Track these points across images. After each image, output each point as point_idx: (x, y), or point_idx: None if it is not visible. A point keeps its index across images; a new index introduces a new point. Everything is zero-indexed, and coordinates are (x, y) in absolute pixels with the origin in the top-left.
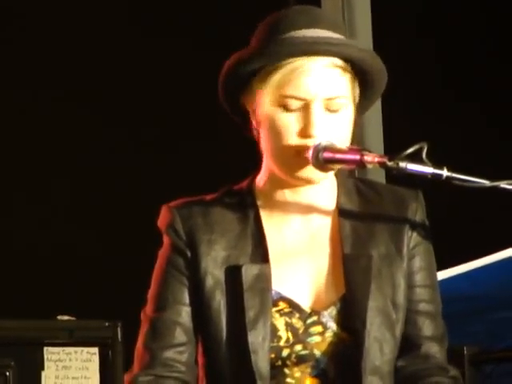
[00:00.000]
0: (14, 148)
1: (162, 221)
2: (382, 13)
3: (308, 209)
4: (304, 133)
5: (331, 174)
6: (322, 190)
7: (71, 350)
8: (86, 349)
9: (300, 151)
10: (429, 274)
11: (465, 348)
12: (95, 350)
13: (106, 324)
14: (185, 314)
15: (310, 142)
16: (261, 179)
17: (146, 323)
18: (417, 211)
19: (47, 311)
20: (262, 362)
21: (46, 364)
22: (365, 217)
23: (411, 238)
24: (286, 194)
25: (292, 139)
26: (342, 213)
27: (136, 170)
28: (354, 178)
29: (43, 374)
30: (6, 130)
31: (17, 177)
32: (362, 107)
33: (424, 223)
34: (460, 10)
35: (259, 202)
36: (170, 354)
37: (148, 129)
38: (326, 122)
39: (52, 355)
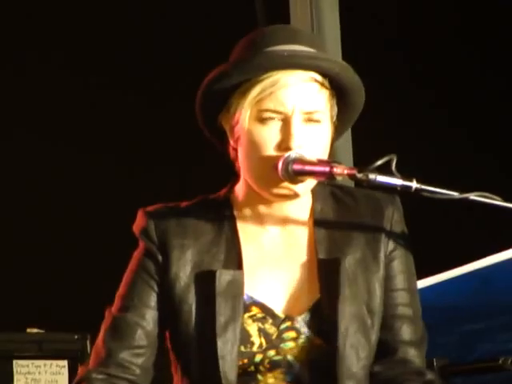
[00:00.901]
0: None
1: (136, 225)
2: (352, 27)
3: (284, 221)
4: (283, 145)
5: (308, 189)
6: (297, 201)
7: (40, 362)
8: (55, 361)
9: (276, 166)
10: (407, 278)
11: (434, 360)
12: (64, 362)
13: (76, 337)
14: (149, 317)
15: None
16: (239, 191)
17: (108, 321)
18: (393, 216)
19: (16, 324)
20: (229, 368)
21: (16, 377)
22: (341, 223)
23: (388, 243)
24: (262, 209)
25: (271, 152)
26: (317, 219)
27: (109, 177)
28: (330, 186)
29: None
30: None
31: None
32: (340, 127)
33: (401, 227)
34: (433, 19)
35: (235, 212)
36: (126, 355)
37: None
38: (304, 135)
39: (21, 368)
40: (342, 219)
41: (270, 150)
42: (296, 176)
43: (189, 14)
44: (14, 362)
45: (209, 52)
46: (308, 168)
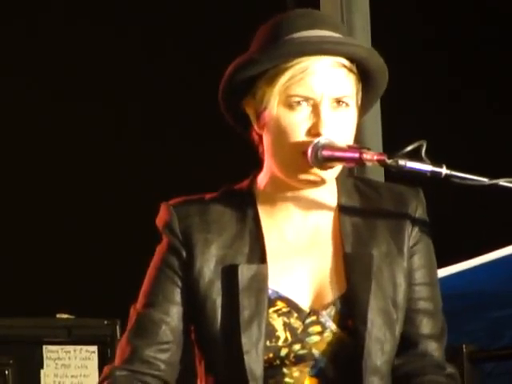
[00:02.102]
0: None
1: (159, 219)
2: (381, 13)
3: (308, 209)
4: (313, 131)
5: (334, 176)
6: (323, 190)
7: (70, 348)
8: (84, 347)
9: (306, 152)
10: (428, 272)
11: (464, 346)
12: (94, 348)
13: (105, 322)
14: (173, 313)
15: None
16: (262, 181)
17: (133, 318)
18: (417, 209)
19: (46, 309)
20: (254, 362)
21: (45, 362)
22: (365, 215)
23: (411, 236)
24: (287, 196)
25: (300, 138)
26: (342, 212)
27: (136, 168)
28: (353, 178)
29: (42, 372)
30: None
31: (13, 176)
32: (363, 109)
33: (424, 221)
34: (461, 6)
35: (259, 203)
36: (151, 351)
37: (154, 127)
38: (333, 120)
39: (51, 353)
40: (366, 212)
41: (299, 135)
42: (325, 162)
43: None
44: (44, 347)
45: (236, 37)
46: (338, 154)
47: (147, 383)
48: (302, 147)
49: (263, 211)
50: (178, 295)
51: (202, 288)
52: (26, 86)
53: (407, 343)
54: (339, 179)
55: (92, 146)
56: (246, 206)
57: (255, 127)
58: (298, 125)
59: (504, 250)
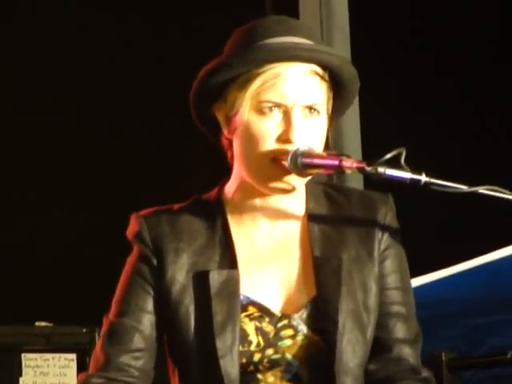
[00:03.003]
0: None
1: (130, 230)
2: (361, 20)
3: (277, 215)
4: (284, 138)
5: (303, 182)
6: (291, 197)
7: (49, 356)
8: (63, 355)
9: (276, 159)
10: (400, 277)
11: (443, 354)
12: (73, 356)
13: (84, 330)
14: (146, 321)
15: (290, 147)
16: (230, 188)
17: (106, 326)
18: (386, 214)
19: (25, 317)
20: (230, 366)
21: (24, 370)
22: (334, 221)
23: (381, 241)
24: (256, 203)
25: (271, 145)
26: (311, 217)
27: (112, 179)
28: (323, 184)
29: (21, 380)
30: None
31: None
32: (333, 117)
33: (394, 226)
34: (446, 11)
35: (228, 211)
36: (125, 358)
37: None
38: (304, 127)
39: (30, 361)
40: (335, 217)
41: (269, 142)
42: (305, 169)
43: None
44: (23, 355)
45: (212, 41)
46: (317, 161)
47: None
48: (272, 154)
49: (232, 219)
50: (150, 303)
51: (175, 296)
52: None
53: (381, 348)
54: (308, 186)
55: (70, 154)
56: (215, 214)
57: (225, 132)
58: (268, 131)
59: (483, 257)
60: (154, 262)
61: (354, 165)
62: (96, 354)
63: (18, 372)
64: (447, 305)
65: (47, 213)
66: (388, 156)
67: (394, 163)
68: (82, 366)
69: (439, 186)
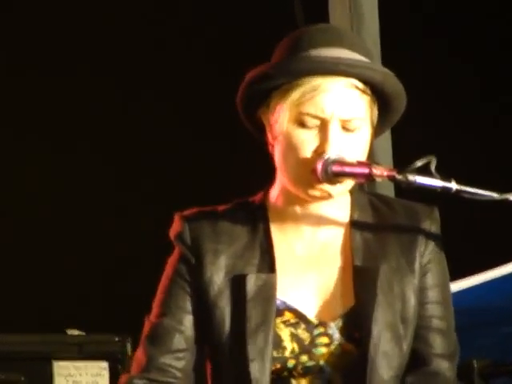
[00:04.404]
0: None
1: (172, 230)
2: (391, 24)
3: (319, 222)
4: (320, 150)
5: (345, 190)
6: (335, 204)
7: (81, 364)
8: (96, 363)
9: (314, 169)
10: (441, 291)
11: (474, 361)
12: (105, 364)
13: (116, 338)
14: (186, 321)
15: None
16: (274, 193)
17: (147, 328)
18: (431, 227)
19: (57, 325)
20: (260, 370)
21: (56, 379)
22: (377, 231)
23: (424, 255)
24: (298, 209)
25: (307, 156)
26: (354, 226)
27: (148, 180)
28: (369, 194)
29: None
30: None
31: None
32: (379, 129)
33: (438, 240)
34: (473, 12)
35: (270, 216)
36: (166, 359)
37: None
38: (341, 140)
39: (62, 369)
40: (378, 228)
41: (306, 153)
42: (335, 177)
43: (226, 13)
44: (55, 363)
45: (247, 52)
46: (347, 169)
47: None
48: (309, 165)
49: (274, 225)
50: (190, 304)
51: (211, 297)
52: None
53: (420, 361)
54: (353, 194)
55: (97, 157)
56: (257, 218)
57: (269, 137)
58: (305, 143)
59: None
60: (193, 262)
61: (385, 173)
62: (137, 355)
63: (49, 380)
64: (478, 313)
65: (78, 218)
66: (418, 164)
67: (424, 171)
68: (114, 375)
69: (470, 194)
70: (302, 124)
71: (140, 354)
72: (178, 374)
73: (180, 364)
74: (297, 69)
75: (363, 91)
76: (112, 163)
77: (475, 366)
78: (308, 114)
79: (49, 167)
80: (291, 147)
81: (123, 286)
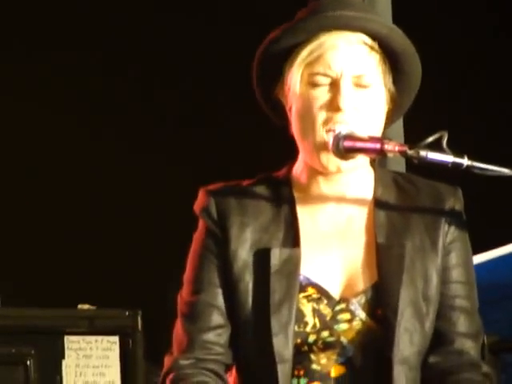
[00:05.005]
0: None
1: (197, 204)
2: (404, 5)
3: (343, 198)
4: (332, 105)
5: (357, 165)
6: (358, 180)
7: (92, 338)
8: (106, 337)
9: (329, 129)
10: (465, 271)
11: (485, 336)
12: (115, 338)
13: (127, 313)
14: (220, 296)
15: (338, 116)
16: (297, 169)
17: (183, 306)
18: (454, 206)
19: (68, 300)
20: (283, 345)
21: (67, 353)
22: (401, 209)
23: (447, 233)
24: (322, 184)
25: (322, 113)
26: (377, 203)
27: (159, 155)
28: (392, 172)
29: (64, 362)
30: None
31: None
32: (400, 99)
33: (461, 219)
34: None
35: (295, 191)
36: (208, 336)
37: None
38: (354, 96)
39: (72, 344)
40: (402, 205)
41: (319, 109)
42: (347, 153)
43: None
44: (66, 337)
45: (259, 31)
46: (359, 145)
47: (211, 369)
48: (324, 123)
49: (298, 199)
50: (221, 278)
51: (236, 270)
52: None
53: (443, 340)
54: (377, 171)
55: (119, 137)
56: (282, 192)
57: (288, 115)
58: (318, 100)
59: None
60: (220, 235)
61: (396, 148)
62: (178, 335)
63: (60, 354)
64: (490, 288)
65: (92, 193)
66: (430, 139)
67: (436, 146)
68: (124, 349)
69: (481, 170)
70: (313, 85)
71: (180, 334)
72: (221, 350)
73: (222, 339)
74: (301, 28)
75: (371, 47)
76: (128, 136)
77: (485, 341)
78: (318, 74)
79: (60, 141)
80: (305, 109)
81: (134, 260)
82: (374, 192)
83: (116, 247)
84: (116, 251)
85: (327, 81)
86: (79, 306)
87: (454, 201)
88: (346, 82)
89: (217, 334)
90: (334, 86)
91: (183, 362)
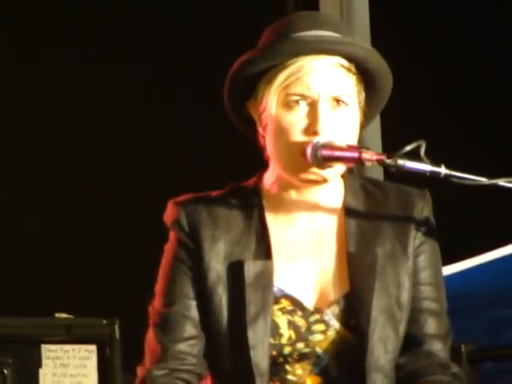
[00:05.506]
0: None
1: (167, 216)
2: (381, 13)
3: (313, 208)
4: (310, 130)
5: (337, 174)
6: (329, 190)
7: (69, 347)
8: (83, 346)
9: (304, 152)
10: (434, 273)
11: (462, 346)
12: (93, 347)
13: (104, 322)
14: (193, 308)
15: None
16: (268, 180)
17: (155, 317)
18: (423, 210)
19: (45, 309)
20: (261, 358)
21: (44, 362)
22: (371, 216)
23: (416, 237)
24: (292, 195)
25: (299, 138)
26: (347, 212)
27: (134, 168)
28: (361, 179)
29: (41, 371)
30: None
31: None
32: (368, 113)
33: (430, 222)
34: (462, 8)
35: (265, 201)
36: (181, 347)
37: (154, 127)
38: (331, 119)
39: (50, 353)
40: (371, 212)
41: (297, 134)
42: (325, 162)
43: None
44: (43, 346)
45: (236, 43)
46: (337, 153)
47: (184, 379)
48: (300, 146)
49: (269, 210)
50: (193, 290)
51: (210, 283)
52: None
53: (412, 342)
54: (346, 179)
55: (91, 145)
56: (252, 204)
57: (259, 129)
58: (295, 124)
59: (502, 249)
60: (192, 247)
61: (374, 157)
62: (150, 346)
63: (38, 363)
64: (467, 297)
65: (66, 201)
66: (408, 148)
67: (414, 156)
68: (102, 358)
69: (459, 179)
70: (290, 106)
71: (153, 345)
72: (194, 360)
73: (194, 350)
74: (280, 51)
75: (348, 69)
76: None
77: (463, 350)
78: (295, 95)
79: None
80: (281, 131)
81: (111, 270)
82: (344, 200)
83: (93, 256)
84: (94, 260)
85: (304, 102)
86: (56, 315)
87: (423, 204)
88: (324, 105)
89: (190, 345)
90: (312, 108)
91: (156, 373)
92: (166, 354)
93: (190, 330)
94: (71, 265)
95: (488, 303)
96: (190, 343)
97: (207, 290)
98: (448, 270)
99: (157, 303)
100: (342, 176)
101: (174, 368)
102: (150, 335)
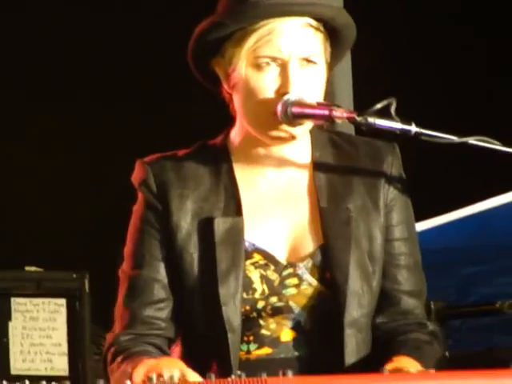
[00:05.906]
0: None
1: (135, 176)
2: None
3: (282, 163)
4: (281, 90)
5: (304, 132)
6: (296, 144)
7: (39, 300)
8: (53, 300)
9: (275, 111)
10: (407, 227)
11: (432, 303)
12: (63, 301)
13: (74, 275)
14: (162, 270)
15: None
16: (235, 136)
17: (124, 282)
18: (393, 164)
19: (15, 262)
20: (232, 314)
21: (13, 315)
22: (340, 170)
23: (388, 192)
24: (260, 151)
25: (268, 98)
26: (317, 166)
27: (107, 126)
28: (328, 131)
29: (10, 324)
30: None
31: None
32: (331, 63)
33: (400, 176)
34: None
35: (233, 158)
36: (149, 311)
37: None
38: (302, 79)
39: (19, 306)
40: (341, 166)
41: (268, 95)
42: (295, 119)
43: None
44: (12, 299)
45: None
46: (307, 111)
47: (152, 343)
48: (271, 106)
49: (237, 166)
50: (162, 251)
51: (179, 242)
52: None
53: (389, 301)
54: (313, 133)
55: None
56: (220, 160)
57: (225, 87)
58: (266, 85)
59: (473, 206)
60: (160, 208)
61: (345, 115)
62: (119, 310)
63: (7, 316)
64: (437, 254)
65: (42, 158)
66: (378, 106)
67: (384, 114)
68: (71, 311)
69: (429, 137)
70: (260, 68)
71: (122, 310)
72: (163, 325)
73: (163, 314)
74: (250, 15)
75: (317, 28)
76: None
77: (432, 307)
78: (266, 57)
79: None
80: (252, 92)
81: (82, 222)
82: (312, 155)
83: (64, 209)
84: (64, 213)
85: (274, 63)
86: (26, 268)
87: (392, 158)
88: (294, 65)
89: (159, 309)
90: (282, 69)
91: (124, 338)
92: (134, 320)
93: (159, 293)
94: (41, 217)
95: (459, 260)
96: (158, 306)
97: (177, 249)
98: (419, 226)
99: (126, 266)
100: (309, 131)
101: (142, 333)
102: (119, 300)
